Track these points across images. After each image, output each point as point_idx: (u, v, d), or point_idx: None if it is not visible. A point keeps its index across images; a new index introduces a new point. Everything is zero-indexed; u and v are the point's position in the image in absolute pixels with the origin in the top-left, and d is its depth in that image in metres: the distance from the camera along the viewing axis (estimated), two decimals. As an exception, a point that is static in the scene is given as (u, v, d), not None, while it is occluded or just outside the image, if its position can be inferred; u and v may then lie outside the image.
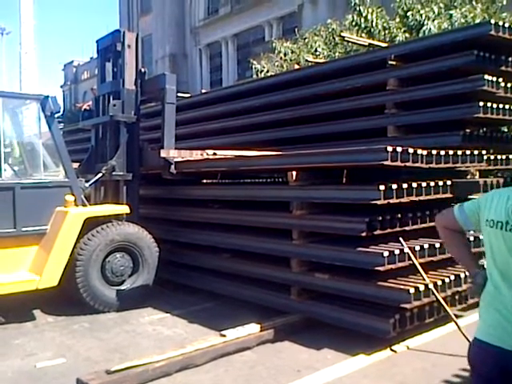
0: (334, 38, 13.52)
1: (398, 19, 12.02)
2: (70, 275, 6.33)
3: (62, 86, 59.90)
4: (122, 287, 6.77)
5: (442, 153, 5.61)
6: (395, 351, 5.09)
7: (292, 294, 5.99)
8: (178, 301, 6.96)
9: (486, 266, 2.44)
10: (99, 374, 4.39)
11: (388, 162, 4.99)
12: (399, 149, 5.10)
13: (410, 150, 5.21)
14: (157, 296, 6.98)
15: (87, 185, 6.98)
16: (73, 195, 6.52)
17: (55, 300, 6.66)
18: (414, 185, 5.34)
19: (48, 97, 6.50)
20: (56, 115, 6.62)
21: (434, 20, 10.91)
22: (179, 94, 9.27)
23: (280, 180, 7.78)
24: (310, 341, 5.37)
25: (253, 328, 5.40)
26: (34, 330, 6.08)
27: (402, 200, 5.21)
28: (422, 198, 5.45)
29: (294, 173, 5.79)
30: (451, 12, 11.01)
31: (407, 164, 5.18)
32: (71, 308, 6.57)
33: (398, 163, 5.09)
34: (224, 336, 5.20)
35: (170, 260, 7.46)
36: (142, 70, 7.68)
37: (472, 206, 2.55)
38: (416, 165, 5.27)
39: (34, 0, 25.56)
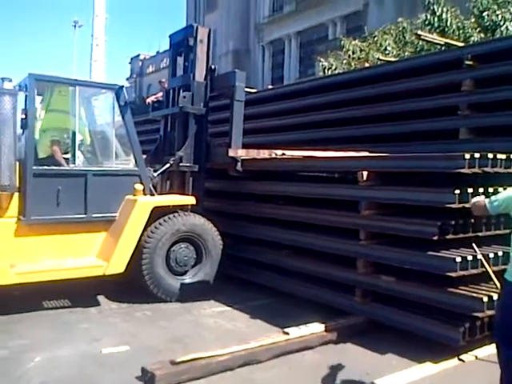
0: (404, 37, 13.26)
1: (473, 19, 11.69)
2: (135, 262, 6.41)
3: (127, 79, 60.94)
4: (185, 277, 6.83)
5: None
6: (463, 361, 4.91)
7: (356, 295, 5.88)
8: (239, 295, 6.94)
9: None
10: (164, 364, 4.41)
11: (465, 170, 4.87)
12: (477, 155, 4.94)
13: (490, 155, 5.04)
14: (218, 289, 6.98)
15: (155, 174, 7.06)
16: (142, 184, 6.59)
17: (116, 287, 6.78)
18: (491, 190, 5.14)
19: (123, 87, 6.63)
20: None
21: (511, 21, 10.55)
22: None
23: (347, 178, 7.67)
24: (373, 344, 5.26)
25: (316, 327, 5.33)
26: (99, 315, 6.19)
27: (478, 205, 5.03)
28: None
29: (365, 173, 5.69)
30: (529, 13, 10.67)
31: (485, 169, 5.01)
32: (133, 296, 6.66)
33: (476, 170, 4.95)
34: (287, 334, 5.15)
35: (232, 254, 7.43)
36: (213, 66, 7.71)
37: (500, 203, 3.75)
38: (495, 170, 5.09)
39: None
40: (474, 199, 4.24)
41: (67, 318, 5.98)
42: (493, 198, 3.85)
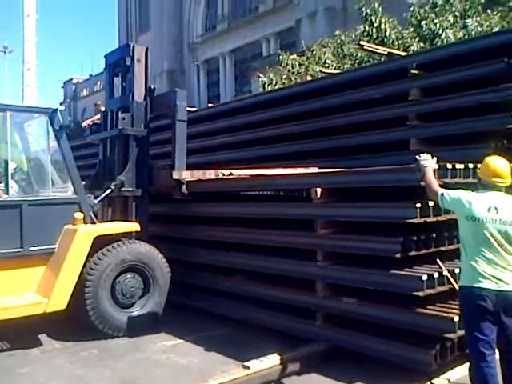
0: (342, 50, 13.29)
1: (411, 29, 11.84)
2: (78, 297, 6.00)
3: (61, 103, 59.61)
4: (133, 310, 6.45)
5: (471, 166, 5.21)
6: (436, 385, 4.69)
7: (317, 319, 5.58)
8: (191, 325, 6.53)
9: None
10: (116, 411, 4.01)
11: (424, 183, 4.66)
12: (436, 166, 4.73)
13: (449, 166, 4.85)
14: (168, 320, 6.57)
15: (96, 201, 6.63)
16: (82, 212, 6.19)
17: (60, 323, 6.30)
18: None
19: (57, 110, 6.23)
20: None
21: (449, 29, 10.70)
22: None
23: (293, 196, 7.44)
24: (340, 372, 4.98)
25: (278, 358, 5.01)
26: (42, 356, 5.73)
27: (440, 218, 4.83)
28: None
29: (319, 190, 5.43)
30: (467, 21, 10.80)
31: (445, 180, 4.81)
32: (78, 332, 6.21)
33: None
34: (247, 368, 4.82)
35: (182, 281, 7.06)
36: (152, 86, 7.42)
37: (448, 199, 4.04)
38: (455, 180, 4.90)
39: (36, 19, 25.68)
40: (425, 158, 4.45)
41: (6, 363, 5.51)
42: (447, 191, 4.11)
